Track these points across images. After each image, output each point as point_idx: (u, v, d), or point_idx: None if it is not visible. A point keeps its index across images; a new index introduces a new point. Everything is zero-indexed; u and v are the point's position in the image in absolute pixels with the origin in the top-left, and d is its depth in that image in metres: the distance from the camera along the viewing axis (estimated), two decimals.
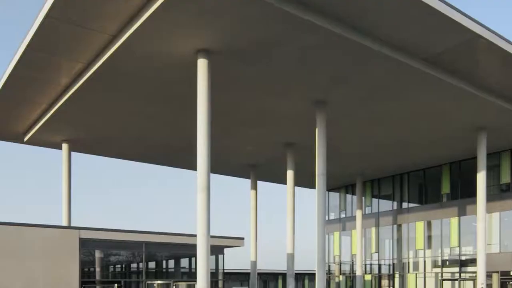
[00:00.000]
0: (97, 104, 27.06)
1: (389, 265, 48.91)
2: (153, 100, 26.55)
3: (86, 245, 24.82)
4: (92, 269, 26.61)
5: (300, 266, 34.38)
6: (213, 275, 30.06)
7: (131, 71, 22.72)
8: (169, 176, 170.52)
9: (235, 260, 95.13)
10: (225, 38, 19.91)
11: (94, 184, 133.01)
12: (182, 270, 31.36)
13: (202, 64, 21.18)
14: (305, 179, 43.57)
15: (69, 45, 21.08)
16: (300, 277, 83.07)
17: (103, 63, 21.75)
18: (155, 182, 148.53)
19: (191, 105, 22.33)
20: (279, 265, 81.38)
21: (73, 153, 33.65)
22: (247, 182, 42.59)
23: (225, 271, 32.31)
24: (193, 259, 30.11)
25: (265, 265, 69.67)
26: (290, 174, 34.64)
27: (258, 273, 39.28)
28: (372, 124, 30.90)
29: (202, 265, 21.04)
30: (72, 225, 28.00)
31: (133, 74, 23.05)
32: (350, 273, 52.17)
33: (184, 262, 31.39)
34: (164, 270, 30.81)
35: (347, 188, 51.98)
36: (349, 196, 52.10)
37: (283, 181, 41.12)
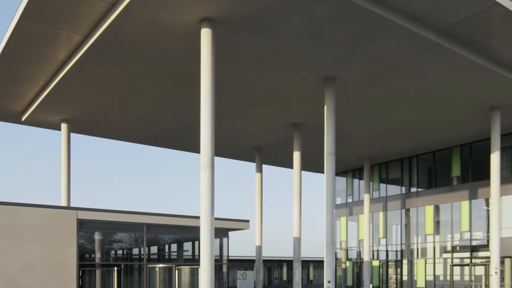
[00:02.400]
0: (96, 81, 26.01)
1: (396, 251, 48.05)
2: (154, 76, 25.50)
3: (84, 227, 23.77)
4: (90, 251, 25.62)
5: (305, 253, 33.40)
6: (217, 260, 29.10)
7: (131, 43, 21.63)
8: (174, 160, 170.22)
9: (239, 247, 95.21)
10: (231, 5, 18.80)
11: (95, 168, 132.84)
12: (185, 253, 30.36)
13: (205, 34, 20.11)
14: (311, 163, 42.87)
15: (66, 15, 19.98)
16: (305, 264, 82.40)
17: (102, 33, 20.68)
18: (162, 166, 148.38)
19: (195, 81, 21.37)
20: (283, 253, 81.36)
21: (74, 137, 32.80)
22: (252, 169, 41.65)
23: (230, 258, 31.31)
24: (196, 242, 29.22)
25: (269, 253, 69.24)
26: (296, 155, 33.61)
27: (263, 260, 38.43)
28: (381, 104, 29.82)
29: (206, 246, 20.03)
30: None
31: (133, 46, 21.95)
32: (357, 259, 51.27)
33: (187, 246, 30.39)
34: (166, 254, 29.85)
35: (354, 172, 51.00)
36: (356, 181, 51.17)
37: (289, 165, 40.32)
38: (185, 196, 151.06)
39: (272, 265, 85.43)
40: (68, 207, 27.75)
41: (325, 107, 26.07)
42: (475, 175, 40.28)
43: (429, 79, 26.15)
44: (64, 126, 32.02)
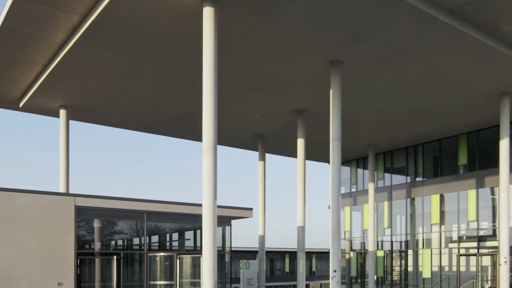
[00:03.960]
0: (94, 65, 25.26)
1: (400, 242, 47.54)
2: (155, 60, 24.75)
3: (83, 214, 23.04)
4: (89, 239, 24.96)
5: (307, 245, 32.83)
6: (220, 250, 28.48)
7: (131, 24, 20.85)
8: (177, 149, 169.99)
9: (242, 238, 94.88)
10: None
11: (95, 156, 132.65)
12: (187, 242, 29.74)
13: (208, 13, 19.31)
14: (315, 152, 42.19)
15: None
16: (307, 256, 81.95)
17: (100, 13, 19.85)
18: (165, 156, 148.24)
19: (196, 65, 20.62)
20: (285, 244, 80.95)
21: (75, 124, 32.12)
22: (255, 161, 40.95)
23: (232, 249, 30.65)
24: (198, 231, 28.57)
25: (271, 244, 68.85)
26: (300, 142, 32.88)
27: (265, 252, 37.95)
28: (388, 89, 29.09)
29: (208, 232, 19.31)
30: None
31: (132, 27, 21.17)
32: (361, 250, 50.67)
33: (189, 234, 29.76)
34: (167, 242, 29.21)
35: (358, 161, 50.29)
36: (360, 170, 50.50)
37: (292, 154, 39.63)
38: (189, 188, 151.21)
39: (275, 256, 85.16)
40: (66, 194, 27.07)
41: (331, 91, 25.39)
42: (482, 163, 39.55)
43: (437, 63, 25.38)
44: (62, 112, 31.25)
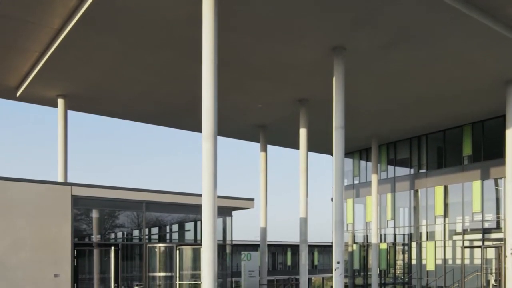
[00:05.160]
0: (92, 52, 24.74)
1: (403, 234, 47.04)
2: (153, 47, 24.20)
3: (80, 204, 22.48)
4: (86, 230, 24.41)
5: (309, 238, 32.36)
6: (220, 242, 27.97)
7: (128, 7, 20.30)
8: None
9: (243, 232, 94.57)
10: None
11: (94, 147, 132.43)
12: (187, 233, 29.24)
13: None
14: (317, 142, 41.69)
15: None
16: (310, 249, 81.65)
17: None
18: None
19: (197, 51, 20.05)
20: (287, 238, 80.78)
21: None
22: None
23: (234, 242, 30.13)
24: (199, 223, 28.06)
25: (273, 238, 68.55)
26: (303, 132, 32.33)
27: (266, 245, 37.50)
28: (392, 77, 28.50)
29: (208, 221, 18.77)
30: None
31: (130, 12, 20.65)
32: (364, 243, 50.16)
33: (189, 225, 29.24)
34: (167, 233, 28.71)
35: (361, 152, 49.68)
36: (363, 162, 49.93)
37: (294, 145, 39.14)
38: (192, 181, 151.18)
39: (276, 250, 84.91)
40: (62, 183, 26.57)
41: (334, 78, 24.85)
42: (488, 154, 38.97)
43: (443, 50, 24.78)
44: (60, 101, 30.71)
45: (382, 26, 22.17)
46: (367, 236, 49.55)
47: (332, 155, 25.86)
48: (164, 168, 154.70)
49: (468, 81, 29.40)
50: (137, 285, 21.08)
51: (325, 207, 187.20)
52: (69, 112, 31.59)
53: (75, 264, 21.79)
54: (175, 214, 27.50)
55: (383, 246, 47.95)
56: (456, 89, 30.78)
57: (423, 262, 44.73)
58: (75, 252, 21.85)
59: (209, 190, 18.83)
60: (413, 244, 45.64)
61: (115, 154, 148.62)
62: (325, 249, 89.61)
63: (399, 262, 47.99)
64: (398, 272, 48.10)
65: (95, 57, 25.43)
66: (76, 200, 21.97)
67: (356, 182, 50.65)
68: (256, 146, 40.29)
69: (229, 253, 29.57)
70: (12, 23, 22.25)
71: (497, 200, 39.03)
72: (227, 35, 22.16)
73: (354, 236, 51.60)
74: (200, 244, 19.17)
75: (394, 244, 47.77)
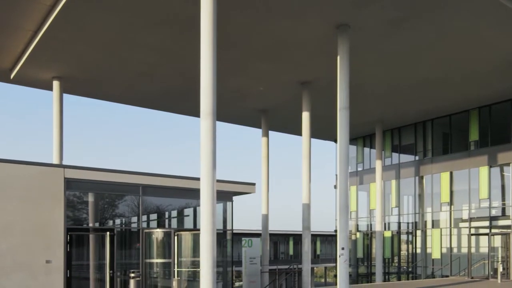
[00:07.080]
0: (87, 29, 23.77)
1: (408, 222, 46.36)
2: (152, 24, 23.25)
3: (73, 187, 21.49)
4: (80, 214, 23.47)
5: (311, 228, 31.54)
6: (220, 229, 27.09)
7: None
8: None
9: (244, 222, 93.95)
10: None
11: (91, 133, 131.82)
12: (186, 218, 28.30)
13: None
14: (320, 129, 40.86)
15: None
16: (312, 238, 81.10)
17: None
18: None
19: (197, 30, 19.04)
20: (288, 227, 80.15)
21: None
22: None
23: (235, 231, 29.21)
24: (198, 209, 27.11)
25: (275, 227, 67.87)
26: (305, 115, 31.36)
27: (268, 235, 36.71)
28: (398, 56, 27.53)
29: (207, 205, 17.82)
30: None
31: None
32: (367, 231, 49.36)
33: (188, 210, 28.31)
34: (164, 218, 27.79)
35: (365, 139, 48.81)
36: (366, 149, 49.15)
37: (296, 131, 38.27)
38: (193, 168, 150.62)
39: (278, 239, 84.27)
40: (55, 165, 25.61)
41: (338, 57, 23.85)
42: (495, 139, 38.16)
43: (451, 27, 23.84)
44: (56, 83, 29.79)
45: (388, 2, 21.17)
46: (371, 224, 48.78)
47: (335, 141, 24.97)
48: (164, 155, 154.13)
49: (477, 62, 28.49)
50: (132, 272, 20.08)
51: (327, 197, 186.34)
52: (73, 99, 30.73)
53: (68, 250, 20.88)
54: (174, 199, 26.48)
55: (387, 234, 47.19)
56: (465, 71, 29.86)
57: (428, 250, 44.02)
58: (68, 238, 20.92)
59: (207, 170, 17.85)
60: (418, 232, 44.93)
61: (114, 140, 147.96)
62: (328, 239, 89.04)
63: (404, 251, 47.33)
64: (403, 261, 47.40)
65: (90, 35, 24.45)
66: (69, 183, 20.97)
67: (360, 169, 49.87)
68: (258, 132, 39.52)
69: (229, 240, 28.67)
70: (3, 0, 21.33)
71: (504, 187, 38.25)
72: (227, 12, 21.26)
73: (357, 224, 50.80)
74: (199, 230, 18.25)
75: (399, 232, 47.02)
